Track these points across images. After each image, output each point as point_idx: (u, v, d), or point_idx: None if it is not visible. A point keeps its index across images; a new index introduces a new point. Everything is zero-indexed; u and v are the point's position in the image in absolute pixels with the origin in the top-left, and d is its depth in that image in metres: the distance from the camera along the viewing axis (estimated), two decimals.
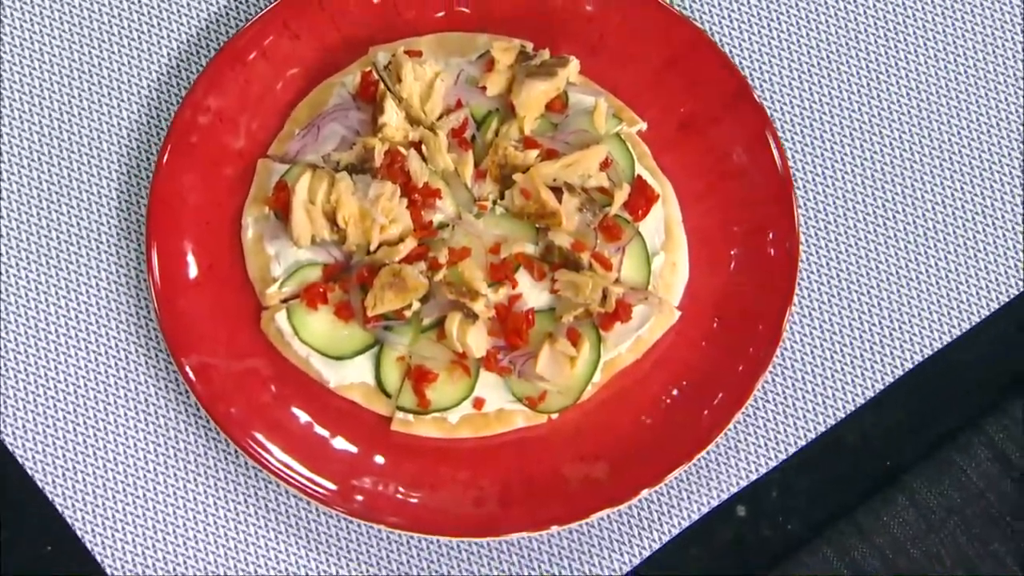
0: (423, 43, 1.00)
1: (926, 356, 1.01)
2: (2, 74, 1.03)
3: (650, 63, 1.01)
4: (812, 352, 1.01)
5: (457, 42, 1.01)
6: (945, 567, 0.98)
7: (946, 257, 1.01)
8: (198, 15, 1.03)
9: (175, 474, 0.99)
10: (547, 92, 0.98)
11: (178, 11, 1.04)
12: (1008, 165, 1.03)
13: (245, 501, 0.98)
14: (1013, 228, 1.02)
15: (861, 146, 1.03)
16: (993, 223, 1.02)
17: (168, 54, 1.03)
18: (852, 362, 1.00)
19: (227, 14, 1.04)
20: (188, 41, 1.03)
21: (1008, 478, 0.99)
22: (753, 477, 0.99)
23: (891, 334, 1.01)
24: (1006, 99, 1.04)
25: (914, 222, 1.02)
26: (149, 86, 1.03)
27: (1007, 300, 1.02)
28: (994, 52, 1.05)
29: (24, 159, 1.02)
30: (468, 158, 0.98)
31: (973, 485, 0.99)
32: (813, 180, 1.02)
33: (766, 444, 0.99)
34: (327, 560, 0.98)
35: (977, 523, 0.98)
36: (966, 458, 0.99)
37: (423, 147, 0.98)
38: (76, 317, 1.00)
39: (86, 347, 1.00)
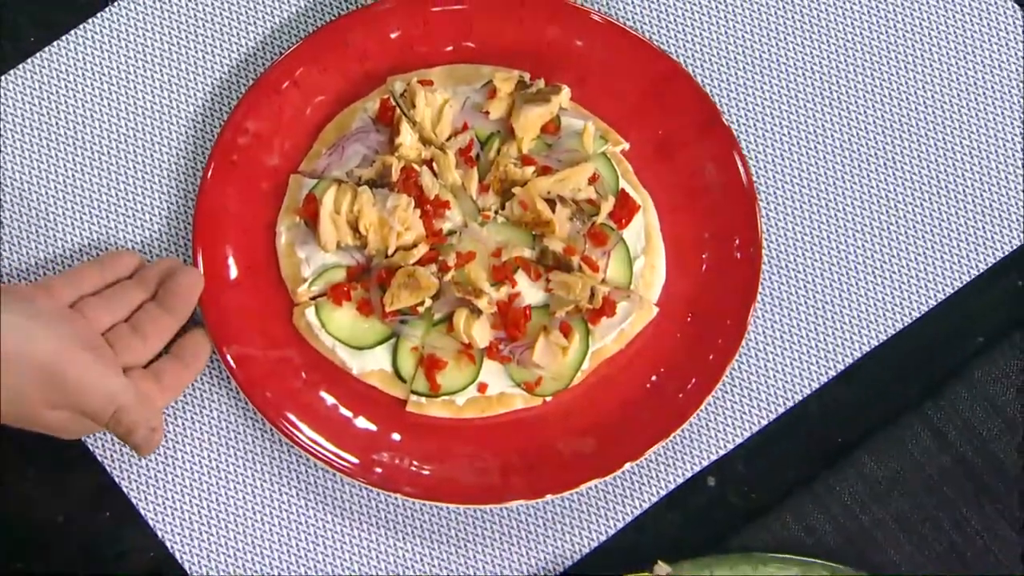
0: (434, 74, 1.01)
1: (872, 347, 1.01)
2: (77, 101, 1.03)
3: (632, 91, 1.02)
4: (773, 343, 1.01)
5: (464, 73, 1.02)
6: (889, 530, 0.97)
7: (889, 260, 1.02)
8: (238, 50, 1.04)
9: (217, 449, 0.99)
10: (542, 116, 0.99)
11: (221, 46, 1.04)
12: (940, 181, 1.03)
13: (278, 472, 0.99)
14: (946, 232, 1.02)
15: (817, 165, 1.03)
16: (927, 230, 1.03)
17: (212, 83, 1.04)
18: (808, 352, 1.01)
19: (263, 48, 1.04)
20: (229, 72, 1.04)
21: (945, 454, 0.98)
22: (722, 452, 1.00)
23: (841, 328, 1.01)
24: (953, 137, 1.04)
25: (862, 230, 1.02)
26: (195, 111, 1.03)
27: (935, 302, 1.02)
28: (951, 83, 1.05)
29: (88, 175, 1.02)
30: (473, 174, 0.99)
31: (914, 459, 0.99)
32: (774, 193, 1.03)
33: (733, 423, 1.00)
34: (349, 524, 0.98)
35: (918, 492, 0.98)
36: (908, 436, 0.99)
37: (434, 164, 0.99)
38: None
39: None
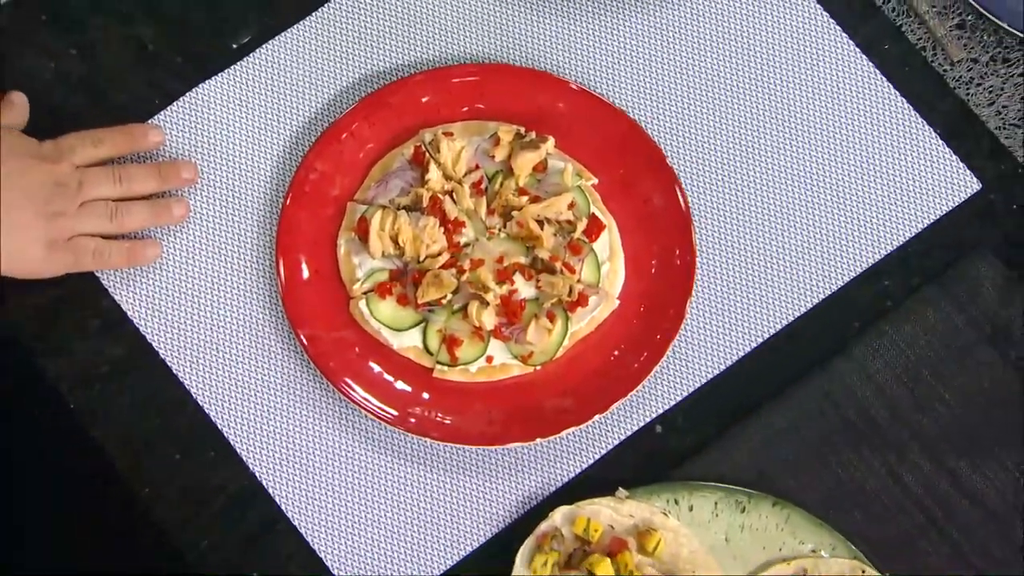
0: (454, 127, 1.03)
1: (778, 330, 1.02)
2: (193, 149, 1.04)
3: (600, 141, 1.03)
4: (704, 327, 1.03)
5: (476, 127, 1.03)
6: (790, 466, 0.99)
7: (790, 266, 1.03)
8: (309, 110, 1.05)
9: (294, 404, 1.00)
10: (533, 159, 1.01)
11: (297, 108, 1.05)
12: (829, 210, 1.05)
13: (338, 422, 1.00)
14: (831, 245, 1.04)
15: (736, 196, 1.05)
16: (818, 243, 1.04)
17: (290, 134, 1.05)
18: (730, 333, 1.03)
19: (328, 109, 1.05)
20: (303, 127, 1.05)
21: (831, 410, 1.00)
22: (666, 407, 1.01)
23: (755, 315, 1.03)
24: (839, 181, 1.05)
25: (769, 243, 1.04)
26: (278, 155, 1.05)
27: (824, 296, 1.03)
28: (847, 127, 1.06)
29: (202, 201, 1.04)
30: (482, 202, 1.01)
31: (808, 414, 1.00)
32: (706, 216, 1.05)
33: (675, 386, 1.02)
34: (391, 459, 1.00)
35: (811, 439, 1.00)
36: (804, 396, 1.00)
37: (454, 194, 1.01)
38: (233, 306, 1.02)
39: (240, 324, 1.02)
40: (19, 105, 0.99)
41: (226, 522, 0.99)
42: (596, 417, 0.99)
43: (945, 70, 1.08)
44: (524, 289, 1.01)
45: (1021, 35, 1.05)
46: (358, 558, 0.99)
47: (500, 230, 1.02)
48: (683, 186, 1.03)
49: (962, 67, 1.08)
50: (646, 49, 1.07)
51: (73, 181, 0.96)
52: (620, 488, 0.98)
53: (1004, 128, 1.07)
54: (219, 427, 1.01)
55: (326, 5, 1.07)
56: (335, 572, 0.99)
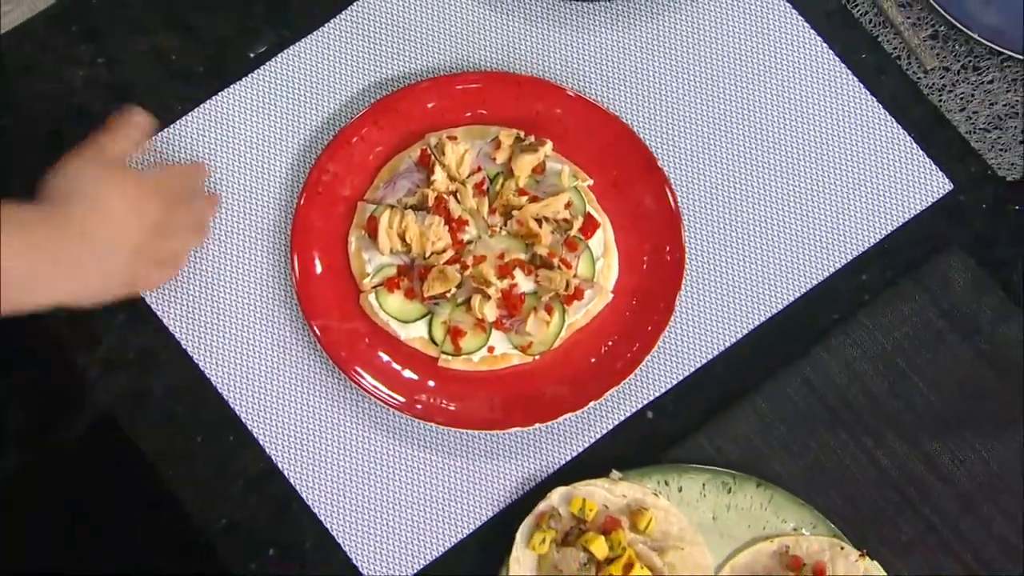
0: (458, 131, 1.04)
1: (763, 322, 1.03)
2: (215, 153, 1.05)
3: (595, 144, 1.04)
4: (692, 319, 1.04)
5: (479, 131, 1.04)
6: (773, 448, 1.00)
7: (774, 261, 1.04)
8: (321, 114, 1.06)
9: (307, 392, 1.01)
10: (532, 161, 1.02)
11: (311, 113, 1.06)
12: (810, 209, 1.06)
13: (349, 408, 1.01)
14: (813, 242, 1.05)
15: (723, 196, 1.06)
16: (800, 241, 1.05)
17: (304, 138, 1.06)
18: (717, 325, 1.04)
19: (339, 113, 1.06)
20: (316, 131, 1.06)
21: (812, 396, 1.01)
22: (657, 394, 1.02)
23: (741, 307, 1.04)
24: (819, 183, 1.06)
25: (754, 240, 1.05)
26: (292, 158, 1.06)
27: (806, 290, 1.04)
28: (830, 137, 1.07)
29: (223, 205, 1.05)
30: (484, 201, 1.02)
31: (790, 400, 1.01)
32: (694, 216, 1.06)
33: (665, 374, 1.03)
34: (399, 443, 1.01)
35: (792, 423, 1.01)
36: (786, 383, 1.01)
37: (457, 194, 1.02)
38: (250, 299, 1.03)
39: (257, 317, 1.02)
40: (142, 124, 0.95)
41: (244, 502, 1.01)
42: (591, 404, 1.00)
43: (919, 77, 1.09)
44: (524, 283, 1.02)
45: (990, 45, 1.07)
46: (368, 536, 1.00)
47: (501, 228, 1.03)
48: (673, 187, 1.04)
49: (935, 75, 1.09)
50: (639, 59, 1.08)
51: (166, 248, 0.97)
52: (614, 470, 0.99)
53: (974, 132, 1.09)
54: (238, 413, 1.02)
55: (338, 17, 1.08)
56: (346, 548, 1.00)
